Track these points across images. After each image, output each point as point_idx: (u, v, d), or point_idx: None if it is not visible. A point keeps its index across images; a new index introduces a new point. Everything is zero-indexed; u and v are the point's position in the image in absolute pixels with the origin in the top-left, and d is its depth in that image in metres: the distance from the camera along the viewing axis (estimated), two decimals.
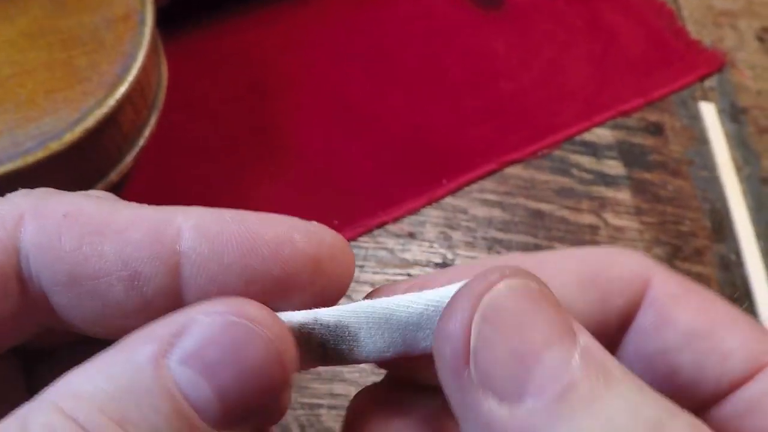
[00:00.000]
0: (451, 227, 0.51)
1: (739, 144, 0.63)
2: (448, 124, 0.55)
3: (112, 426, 0.14)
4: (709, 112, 0.64)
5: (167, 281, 0.17)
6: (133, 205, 0.18)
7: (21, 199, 0.18)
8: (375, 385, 0.21)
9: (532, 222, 0.53)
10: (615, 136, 0.59)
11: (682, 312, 0.19)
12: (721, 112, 0.65)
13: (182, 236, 0.17)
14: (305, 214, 0.51)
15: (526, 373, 0.15)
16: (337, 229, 0.52)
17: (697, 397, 0.19)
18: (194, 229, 0.18)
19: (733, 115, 0.65)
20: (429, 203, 0.51)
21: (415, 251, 0.49)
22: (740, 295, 0.54)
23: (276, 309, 0.19)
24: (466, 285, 0.16)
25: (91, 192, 0.20)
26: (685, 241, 0.56)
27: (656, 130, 0.61)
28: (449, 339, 0.16)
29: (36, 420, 0.14)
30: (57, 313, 0.18)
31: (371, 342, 0.19)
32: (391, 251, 0.49)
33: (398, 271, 0.48)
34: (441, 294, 0.19)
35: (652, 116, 0.62)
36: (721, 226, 0.58)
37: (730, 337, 0.18)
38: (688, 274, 0.55)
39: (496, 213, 0.52)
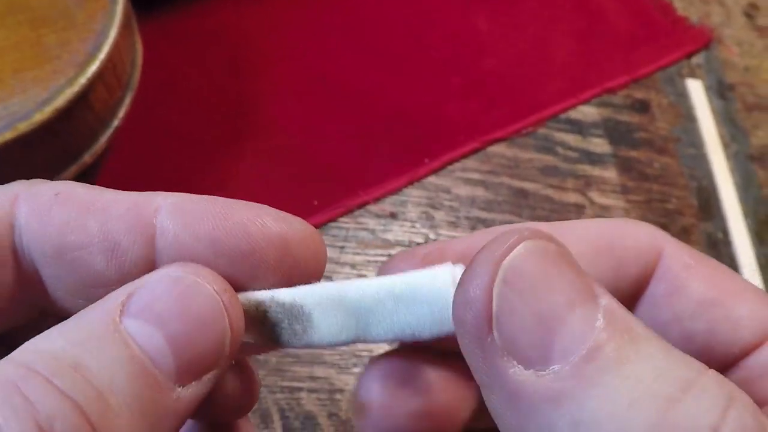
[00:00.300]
0: (434, 207, 0.50)
1: (727, 121, 0.63)
2: (430, 103, 0.54)
3: (66, 369, 0.15)
4: (696, 89, 0.63)
5: (144, 252, 0.18)
6: (123, 191, 0.19)
7: (17, 184, 0.19)
8: (386, 353, 0.22)
9: (515, 201, 0.52)
10: (600, 114, 0.59)
11: (694, 281, 0.20)
12: (708, 89, 0.64)
13: (159, 212, 0.19)
14: (284, 194, 0.50)
15: (551, 337, 0.15)
16: (317, 209, 0.51)
17: (709, 363, 0.19)
18: (171, 206, 0.19)
19: (720, 91, 0.64)
20: (411, 183, 0.50)
21: (396, 231, 0.48)
22: None
23: (243, 289, 0.19)
24: (485, 248, 0.16)
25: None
26: (671, 220, 0.55)
27: (642, 107, 0.60)
28: (471, 304, 0.16)
29: None
30: (47, 289, 0.19)
31: (325, 323, 0.19)
32: (372, 232, 0.48)
33: (380, 252, 0.47)
34: (393, 279, 0.19)
35: (639, 93, 0.61)
36: (708, 204, 0.57)
37: (741, 305, 0.19)
38: None
39: (480, 192, 0.52)
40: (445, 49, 0.58)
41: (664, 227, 0.55)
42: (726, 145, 0.61)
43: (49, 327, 0.19)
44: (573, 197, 0.53)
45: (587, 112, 0.58)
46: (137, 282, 0.17)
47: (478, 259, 0.16)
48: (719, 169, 0.59)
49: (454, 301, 0.16)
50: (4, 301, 0.19)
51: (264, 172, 0.49)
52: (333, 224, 0.48)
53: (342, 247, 0.47)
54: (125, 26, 0.45)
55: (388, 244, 0.48)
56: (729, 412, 0.14)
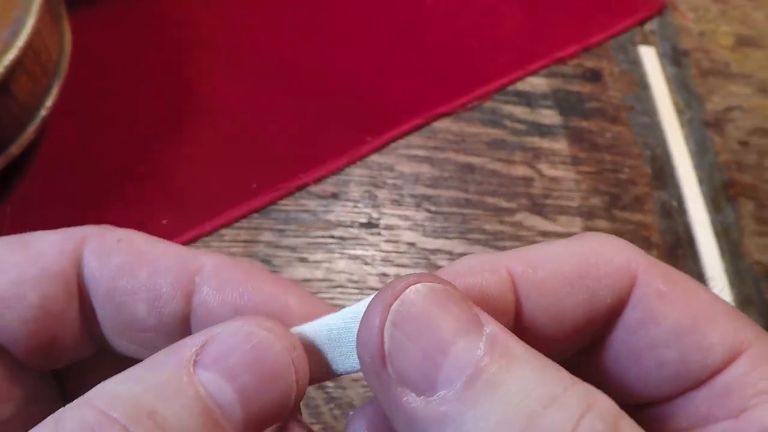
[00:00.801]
0: (377, 186, 0.49)
1: (681, 87, 0.62)
2: (372, 80, 0.53)
3: (142, 417, 0.16)
4: (649, 56, 0.62)
5: (181, 306, 0.20)
6: (175, 244, 0.21)
7: (87, 227, 0.21)
8: (373, 399, 0.23)
9: (462, 176, 0.51)
10: (550, 85, 0.58)
11: (668, 308, 0.20)
12: (662, 55, 0.63)
13: (201, 271, 0.20)
14: (222, 179, 0.49)
15: (436, 367, 0.17)
16: (257, 192, 0.50)
17: (680, 385, 0.20)
18: (211, 268, 0.20)
19: (674, 58, 0.63)
20: (353, 162, 0.49)
21: (338, 212, 0.47)
22: (683, 242, 0.53)
23: None
24: (376, 295, 0.18)
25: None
26: (624, 190, 0.54)
27: (594, 76, 0.59)
28: (366, 346, 0.18)
29: (69, 416, 0.16)
30: (100, 324, 0.21)
31: (338, 355, 0.20)
32: (313, 213, 0.47)
33: (321, 233, 0.46)
34: (359, 306, 0.20)
35: (590, 62, 0.60)
36: (662, 173, 0.56)
37: (712, 330, 0.20)
38: (627, 223, 0.53)
39: (425, 169, 0.51)
40: (389, 25, 0.57)
41: (617, 197, 0.55)
42: (680, 112, 0.60)
43: (105, 362, 0.22)
44: (521, 170, 0.52)
45: (536, 84, 0.57)
46: (210, 331, 0.18)
47: (371, 305, 0.18)
48: (673, 136, 0.58)
49: (356, 342, 0.18)
50: (72, 334, 0.20)
51: (202, 157, 0.48)
52: (273, 207, 0.47)
53: (282, 230, 0.46)
54: (48, 12, 0.44)
55: (330, 224, 0.47)
56: (582, 421, 0.15)
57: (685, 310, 0.20)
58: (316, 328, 0.20)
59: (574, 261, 0.21)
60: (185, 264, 0.20)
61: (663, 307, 0.20)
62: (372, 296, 0.19)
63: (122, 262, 0.20)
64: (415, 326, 0.17)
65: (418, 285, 0.18)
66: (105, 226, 0.21)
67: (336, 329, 0.20)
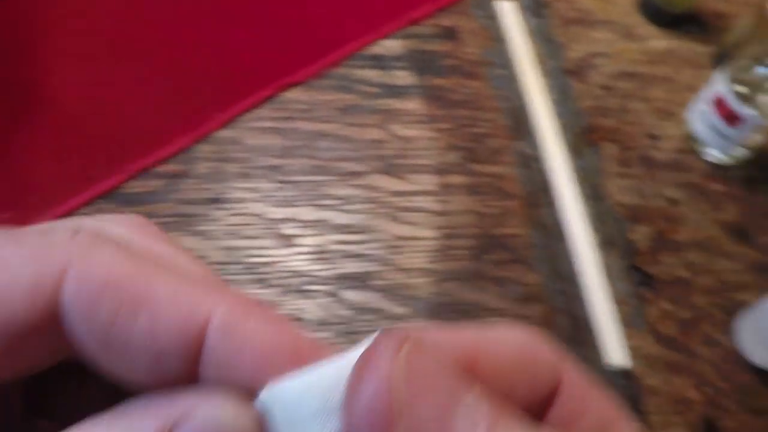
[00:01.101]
0: (224, 161, 0.50)
1: (543, 39, 0.63)
2: (217, 54, 0.53)
3: None
4: (507, 10, 0.62)
5: (187, 359, 0.19)
6: (171, 277, 0.19)
7: (69, 243, 0.18)
8: None
9: (312, 144, 0.52)
10: (405, 46, 0.58)
11: (593, 404, 0.21)
12: (524, 8, 0.64)
13: (210, 325, 0.19)
14: (64, 167, 0.49)
15: (450, 424, 0.16)
16: (101, 178, 0.50)
17: None
18: (221, 324, 0.19)
19: (535, 10, 0.64)
20: (199, 139, 0.50)
21: (184, 190, 0.48)
22: (541, 190, 0.54)
23: None
24: (372, 350, 0.16)
25: (133, 219, 0.20)
26: (480, 143, 0.55)
27: (450, 34, 0.60)
28: (370, 407, 0.16)
29: None
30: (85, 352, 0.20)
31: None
32: (159, 193, 0.47)
33: (168, 212, 0.47)
34: (324, 371, 0.18)
35: (447, 21, 0.61)
36: (520, 124, 0.57)
37: (621, 427, 0.21)
38: (484, 176, 0.54)
39: (274, 140, 0.51)
40: None
41: (473, 151, 0.56)
42: (542, 63, 0.61)
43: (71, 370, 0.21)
44: (374, 133, 0.53)
45: (390, 46, 0.58)
46: (185, 404, 0.18)
47: (368, 359, 0.16)
48: (532, 86, 0.59)
49: (350, 405, 0.16)
50: (46, 362, 0.19)
51: (42, 147, 0.48)
52: (118, 191, 0.47)
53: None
54: None
55: (176, 203, 0.47)
56: None
57: (603, 406, 0.21)
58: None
59: (526, 346, 0.21)
60: (190, 315, 0.18)
61: (589, 402, 0.21)
62: (353, 352, 0.17)
63: (113, 316, 0.18)
64: (423, 382, 0.16)
65: (411, 342, 0.17)
66: (88, 238, 0.19)
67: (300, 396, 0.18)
